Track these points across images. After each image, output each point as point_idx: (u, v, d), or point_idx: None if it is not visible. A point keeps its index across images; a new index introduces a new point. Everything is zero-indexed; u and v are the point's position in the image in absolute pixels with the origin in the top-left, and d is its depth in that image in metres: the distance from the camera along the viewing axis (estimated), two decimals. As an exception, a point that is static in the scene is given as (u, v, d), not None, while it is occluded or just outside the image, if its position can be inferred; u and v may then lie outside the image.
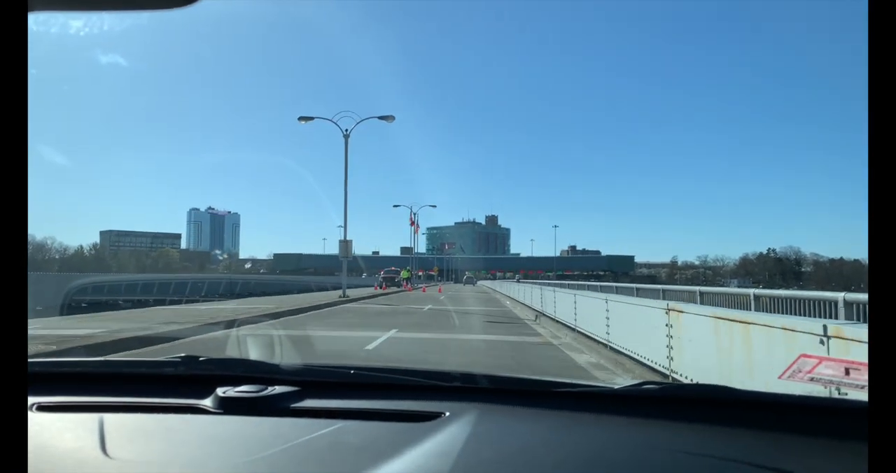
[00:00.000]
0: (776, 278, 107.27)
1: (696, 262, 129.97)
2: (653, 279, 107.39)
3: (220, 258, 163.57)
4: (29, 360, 1.31)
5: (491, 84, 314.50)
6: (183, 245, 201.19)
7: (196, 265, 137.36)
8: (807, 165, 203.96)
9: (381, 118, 24.82)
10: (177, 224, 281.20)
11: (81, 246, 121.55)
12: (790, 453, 1.02)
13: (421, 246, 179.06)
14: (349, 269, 30.60)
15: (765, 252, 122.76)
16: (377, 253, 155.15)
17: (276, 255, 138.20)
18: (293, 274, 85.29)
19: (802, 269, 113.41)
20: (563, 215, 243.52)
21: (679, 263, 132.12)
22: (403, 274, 45.17)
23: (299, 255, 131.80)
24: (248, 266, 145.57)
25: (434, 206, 57.60)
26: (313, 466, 0.95)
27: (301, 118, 24.49)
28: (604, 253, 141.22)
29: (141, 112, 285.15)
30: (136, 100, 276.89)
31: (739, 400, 1.25)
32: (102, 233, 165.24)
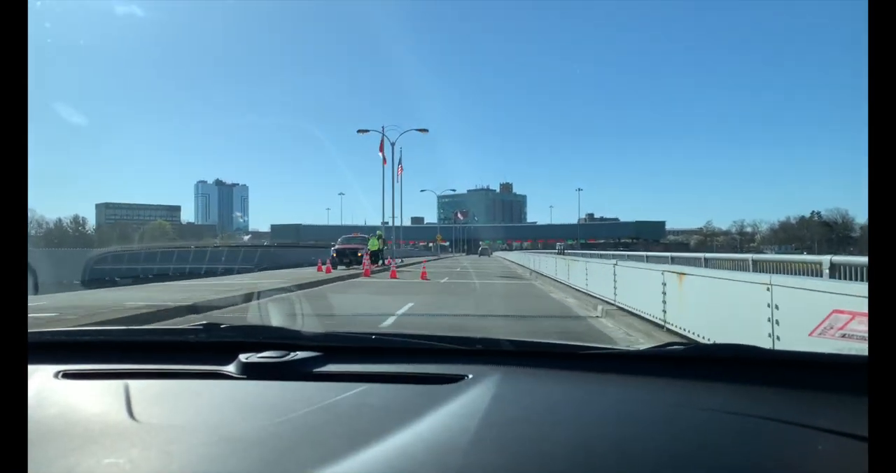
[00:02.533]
0: (822, 244, 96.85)
1: (732, 228, 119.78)
2: (685, 246, 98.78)
3: (219, 232, 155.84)
4: (52, 329, 1.49)
5: (507, 46, 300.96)
6: (191, 218, 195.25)
7: (194, 239, 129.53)
8: (857, 119, 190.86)
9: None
10: (185, 198, 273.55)
11: (60, 220, 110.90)
12: (818, 409, 1.02)
13: (432, 216, 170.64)
14: (321, 239, 21.39)
15: (808, 215, 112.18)
16: (387, 223, 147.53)
17: (273, 226, 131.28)
18: (291, 246, 78.27)
19: (852, 234, 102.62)
20: (580, 183, 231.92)
21: (712, 229, 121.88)
22: (372, 243, 25.69)
23: (297, 226, 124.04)
24: (246, 238, 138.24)
25: (425, 131, 35.56)
26: (338, 427, 0.95)
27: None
28: (622, 219, 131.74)
29: (157, 71, 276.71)
30: (153, 56, 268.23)
31: (764, 359, 1.25)
32: (98, 206, 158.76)
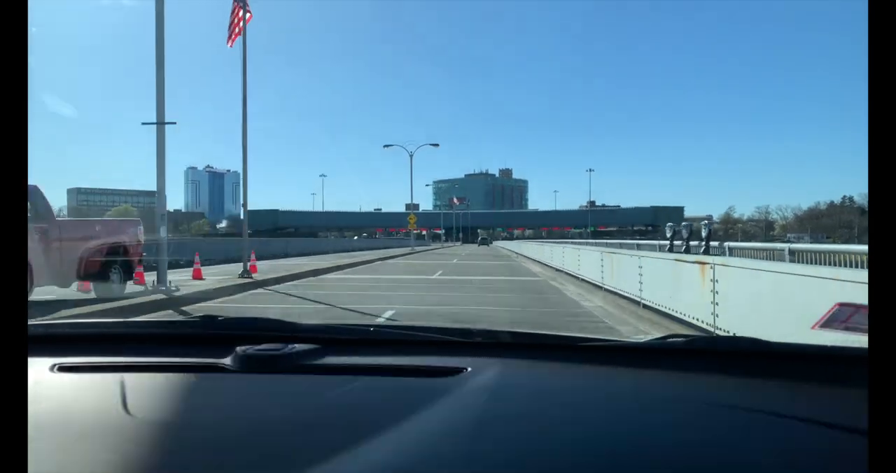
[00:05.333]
0: (861, 232, 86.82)
1: (755, 214, 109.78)
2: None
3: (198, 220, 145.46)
4: (48, 321, 1.50)
5: (508, 26, 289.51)
6: (179, 205, 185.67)
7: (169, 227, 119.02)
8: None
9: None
10: (175, 185, 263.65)
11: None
12: (819, 402, 1.02)
13: (427, 202, 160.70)
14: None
15: (838, 201, 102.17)
16: (379, 209, 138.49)
17: (249, 213, 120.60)
18: (267, 235, 68.55)
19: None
20: (583, 168, 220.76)
21: (735, 216, 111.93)
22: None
23: (275, 212, 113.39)
24: (220, 226, 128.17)
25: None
26: (336, 421, 0.95)
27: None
28: (623, 206, 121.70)
29: (142, 59, 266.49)
30: (138, 45, 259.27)
31: (767, 352, 1.25)
32: (69, 191, 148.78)
